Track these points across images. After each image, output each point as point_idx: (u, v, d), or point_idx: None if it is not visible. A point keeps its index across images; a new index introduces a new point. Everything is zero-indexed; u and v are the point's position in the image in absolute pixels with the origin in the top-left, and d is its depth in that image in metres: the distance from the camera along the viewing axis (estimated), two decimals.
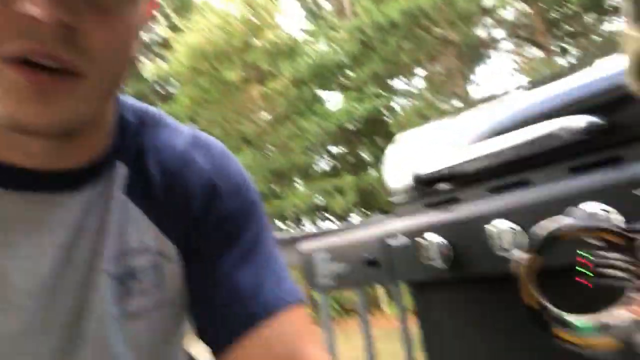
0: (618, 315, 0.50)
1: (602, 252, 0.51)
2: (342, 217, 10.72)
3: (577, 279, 0.50)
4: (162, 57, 14.76)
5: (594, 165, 0.77)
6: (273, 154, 12.19)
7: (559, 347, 0.64)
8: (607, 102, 0.77)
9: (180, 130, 0.63)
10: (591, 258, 0.54)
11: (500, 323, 0.81)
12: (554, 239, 0.49)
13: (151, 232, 0.56)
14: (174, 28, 13.98)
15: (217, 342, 0.56)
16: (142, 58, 18.55)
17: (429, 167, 0.93)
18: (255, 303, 0.55)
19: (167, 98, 15.65)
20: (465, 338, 0.85)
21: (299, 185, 12.33)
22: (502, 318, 0.80)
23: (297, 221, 12.23)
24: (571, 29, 11.15)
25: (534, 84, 0.97)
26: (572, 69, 0.90)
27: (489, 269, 0.78)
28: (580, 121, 0.75)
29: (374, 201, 10.24)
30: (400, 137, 1.15)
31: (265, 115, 12.60)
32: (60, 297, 0.51)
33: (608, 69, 0.80)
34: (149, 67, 14.05)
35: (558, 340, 0.49)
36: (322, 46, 12.46)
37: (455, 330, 0.86)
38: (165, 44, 14.80)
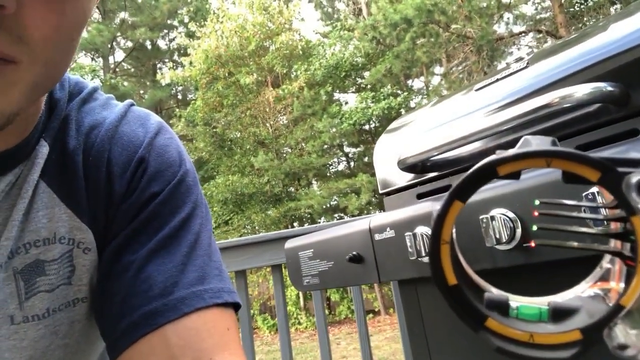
0: (582, 294, 0.32)
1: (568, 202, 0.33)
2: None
3: (530, 243, 0.32)
4: (181, 64, 14.89)
5: (605, 142, 0.65)
6: (288, 155, 12.16)
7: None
8: (621, 67, 0.65)
9: (113, 104, 0.57)
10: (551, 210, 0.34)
11: None
12: (483, 176, 0.30)
13: (65, 217, 0.49)
14: (190, 35, 14.10)
15: (113, 344, 0.47)
16: (161, 65, 18.82)
17: (415, 152, 0.82)
18: (164, 300, 0.46)
19: (185, 103, 15.78)
20: (451, 336, 0.75)
21: (315, 186, 12.25)
22: None
23: (313, 223, 12.12)
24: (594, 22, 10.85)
25: (539, 56, 0.85)
26: (583, 36, 0.77)
27: (485, 264, 0.67)
28: (585, 89, 0.63)
29: None
30: (392, 125, 1.04)
31: (280, 118, 12.58)
32: None
33: (626, 30, 0.66)
34: (167, 74, 14.21)
35: (490, 335, 0.31)
36: (336, 47, 12.38)
37: (441, 330, 0.76)
38: (184, 51, 14.93)
